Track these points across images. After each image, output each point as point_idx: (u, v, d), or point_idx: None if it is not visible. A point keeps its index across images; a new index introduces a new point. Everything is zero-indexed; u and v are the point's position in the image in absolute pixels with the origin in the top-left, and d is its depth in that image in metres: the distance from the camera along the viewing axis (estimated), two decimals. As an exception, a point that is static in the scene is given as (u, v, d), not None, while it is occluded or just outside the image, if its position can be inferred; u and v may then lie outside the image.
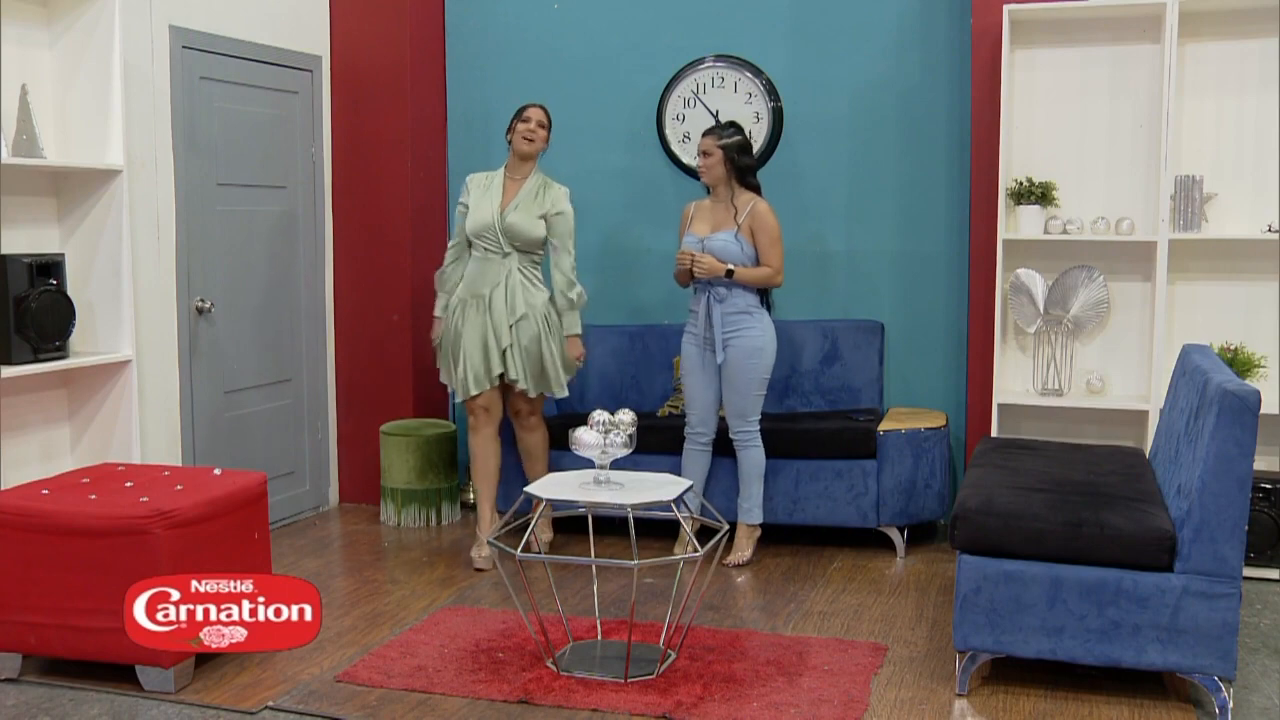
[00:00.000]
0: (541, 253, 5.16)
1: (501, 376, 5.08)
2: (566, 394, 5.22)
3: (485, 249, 5.06)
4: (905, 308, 5.76)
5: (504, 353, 5.04)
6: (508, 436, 5.39)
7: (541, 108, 5.19)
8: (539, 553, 4.88)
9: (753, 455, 5.10)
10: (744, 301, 5.04)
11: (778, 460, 5.25)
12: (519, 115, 5.14)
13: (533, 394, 5.14)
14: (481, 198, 5.10)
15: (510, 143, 5.14)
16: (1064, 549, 3.59)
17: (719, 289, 5.05)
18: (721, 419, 5.19)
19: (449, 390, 5.31)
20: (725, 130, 5.09)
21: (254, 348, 5.64)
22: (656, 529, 5.18)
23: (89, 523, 3.70)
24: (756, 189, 5.13)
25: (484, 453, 5.20)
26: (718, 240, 5.03)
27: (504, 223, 5.02)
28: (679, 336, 5.36)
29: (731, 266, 4.98)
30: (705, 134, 5.12)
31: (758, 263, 5.03)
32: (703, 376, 5.13)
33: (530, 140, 5.09)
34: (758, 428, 5.11)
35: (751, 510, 5.14)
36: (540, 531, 5.27)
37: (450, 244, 5.25)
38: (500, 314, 5.02)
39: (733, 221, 5.06)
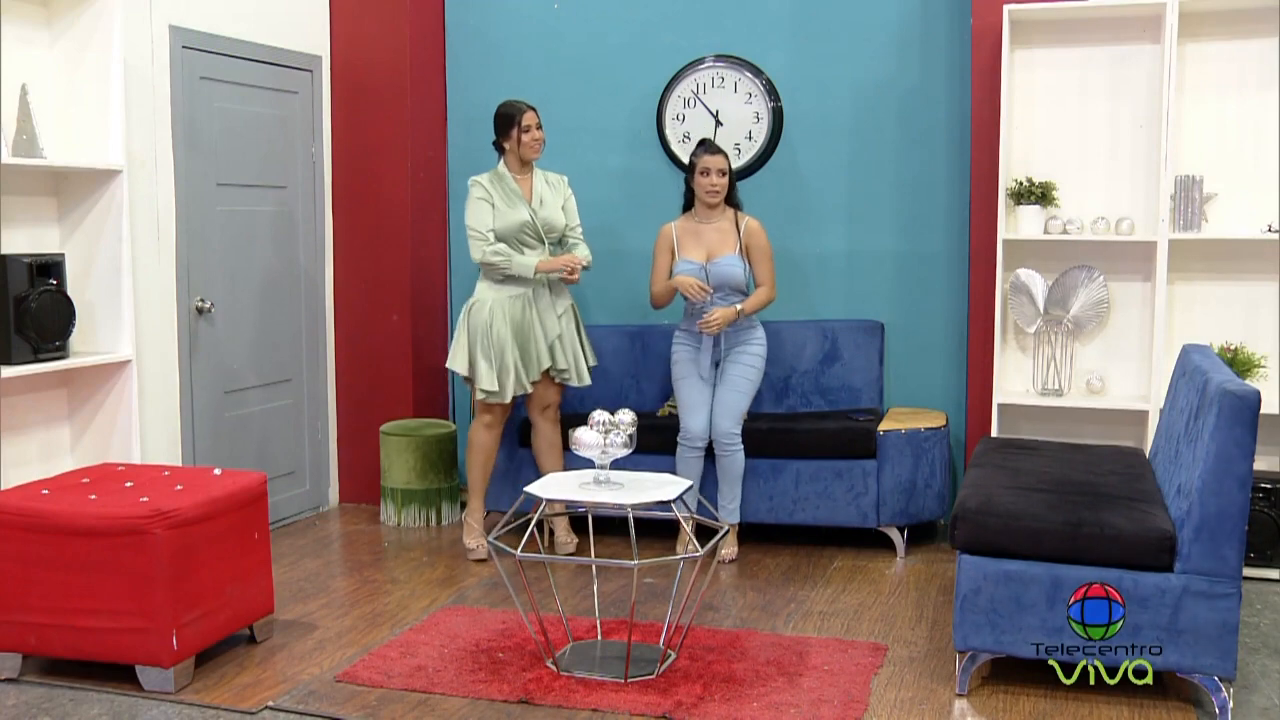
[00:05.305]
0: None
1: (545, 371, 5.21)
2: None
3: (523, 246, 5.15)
4: (905, 308, 5.76)
5: (551, 346, 5.17)
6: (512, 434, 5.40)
7: (534, 109, 5.20)
8: (540, 553, 4.89)
9: (740, 459, 5.13)
10: (752, 318, 5.19)
11: (778, 460, 5.26)
12: (519, 125, 5.11)
13: (576, 383, 5.28)
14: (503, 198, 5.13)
15: (505, 149, 5.16)
16: (1064, 549, 3.59)
17: None
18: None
19: (483, 389, 5.08)
20: (718, 147, 5.16)
21: (254, 348, 5.64)
22: (656, 529, 5.18)
23: (89, 523, 3.70)
24: (739, 204, 5.23)
25: (494, 448, 5.31)
26: (724, 265, 5.08)
27: (540, 218, 5.13)
28: (671, 319, 5.36)
29: (740, 308, 5.07)
30: (712, 152, 5.13)
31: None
32: (703, 383, 5.16)
33: (538, 148, 5.18)
34: (741, 430, 5.16)
35: (736, 510, 5.19)
36: (561, 534, 5.34)
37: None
38: (547, 307, 5.17)
39: (734, 243, 5.10)
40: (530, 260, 5.06)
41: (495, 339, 5.06)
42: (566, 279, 5.15)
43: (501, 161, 5.19)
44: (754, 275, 5.16)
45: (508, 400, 5.12)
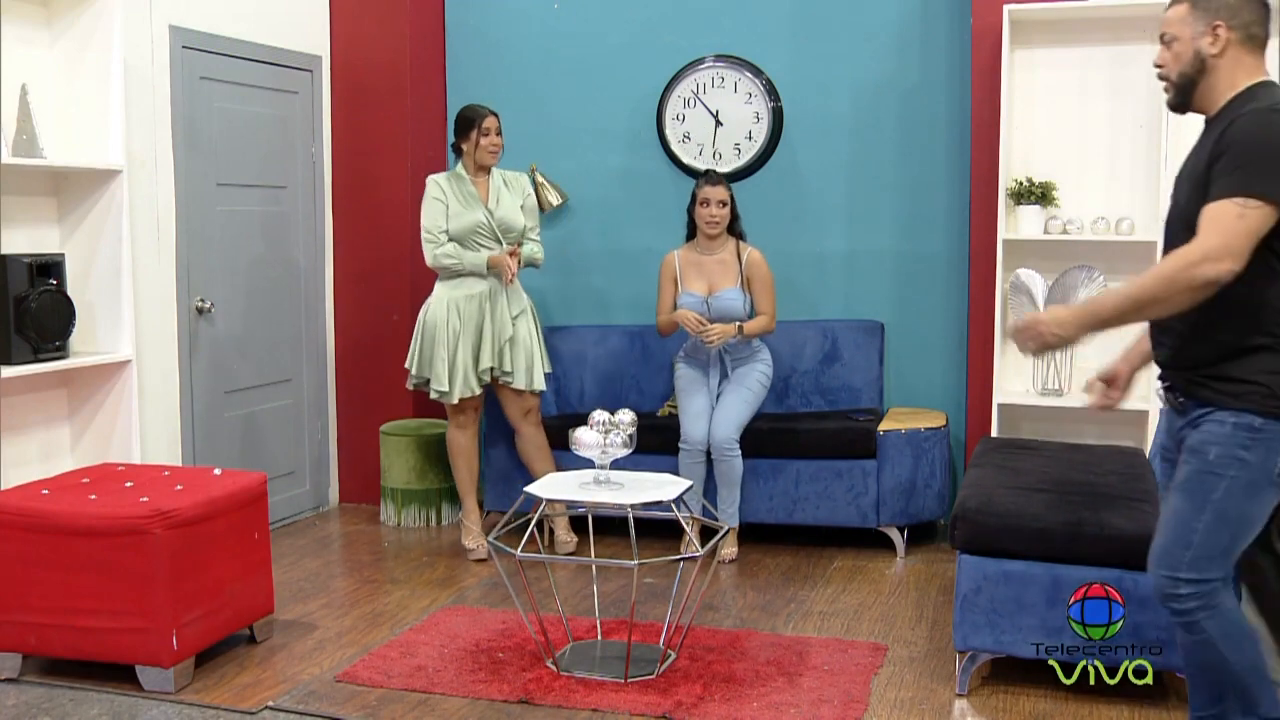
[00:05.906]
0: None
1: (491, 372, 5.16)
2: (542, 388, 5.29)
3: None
4: (905, 308, 5.76)
5: (501, 349, 5.12)
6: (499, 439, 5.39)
7: (495, 114, 5.18)
8: (540, 553, 4.89)
9: (738, 465, 5.13)
10: (753, 342, 5.25)
11: (778, 460, 5.26)
12: (479, 128, 5.11)
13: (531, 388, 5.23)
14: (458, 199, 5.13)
15: (463, 152, 5.16)
16: (1064, 549, 3.59)
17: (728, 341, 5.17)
18: None
19: (436, 390, 5.14)
20: (719, 177, 5.20)
21: (254, 348, 5.64)
22: (656, 529, 5.18)
23: (89, 523, 3.70)
24: (742, 234, 5.26)
25: (473, 447, 5.32)
26: (725, 300, 5.13)
27: (496, 218, 5.11)
28: (678, 338, 5.39)
29: (741, 324, 5.11)
30: (712, 183, 5.17)
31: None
32: (708, 394, 5.20)
33: (495, 154, 5.17)
34: (740, 438, 5.17)
35: (735, 514, 5.20)
36: (561, 533, 5.34)
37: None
38: (501, 307, 5.12)
39: (736, 275, 5.13)
40: (481, 256, 5.06)
41: (450, 338, 5.06)
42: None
43: (459, 164, 5.20)
44: (754, 304, 5.19)
45: (455, 401, 5.11)
